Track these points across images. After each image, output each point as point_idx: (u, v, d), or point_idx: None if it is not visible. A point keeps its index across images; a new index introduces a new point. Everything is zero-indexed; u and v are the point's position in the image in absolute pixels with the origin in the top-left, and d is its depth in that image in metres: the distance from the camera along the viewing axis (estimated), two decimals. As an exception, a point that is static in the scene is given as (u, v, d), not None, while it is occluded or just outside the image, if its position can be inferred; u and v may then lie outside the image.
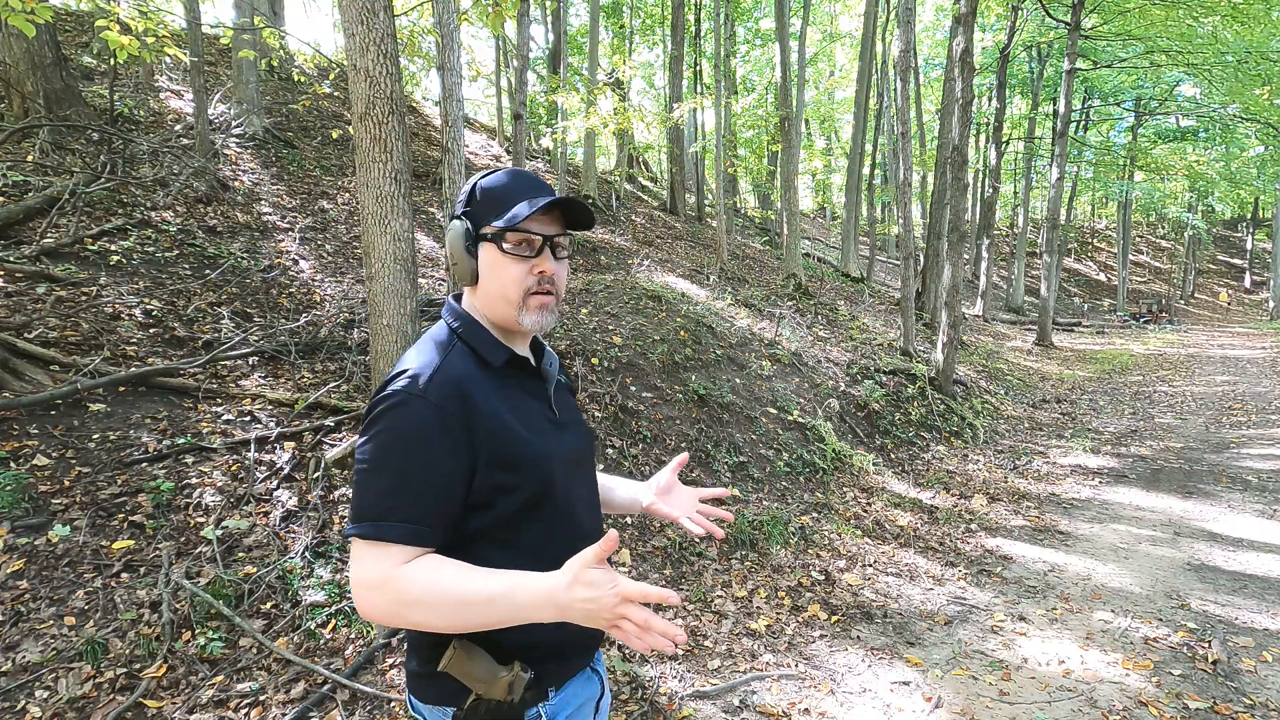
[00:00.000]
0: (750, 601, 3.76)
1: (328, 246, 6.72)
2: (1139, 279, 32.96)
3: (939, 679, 3.12)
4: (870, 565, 4.34)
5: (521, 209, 1.10)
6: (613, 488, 1.42)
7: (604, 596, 0.93)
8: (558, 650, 1.13)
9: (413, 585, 0.96)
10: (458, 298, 1.23)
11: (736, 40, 20.91)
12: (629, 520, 4.36)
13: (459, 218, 1.14)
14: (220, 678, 2.69)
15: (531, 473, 1.09)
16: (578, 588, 0.94)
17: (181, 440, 3.74)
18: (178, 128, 7.56)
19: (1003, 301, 22.41)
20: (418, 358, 1.09)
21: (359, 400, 4.47)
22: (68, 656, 2.61)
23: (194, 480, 3.53)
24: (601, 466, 4.72)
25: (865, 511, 5.24)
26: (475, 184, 1.15)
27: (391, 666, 2.91)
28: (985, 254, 18.52)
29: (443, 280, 6.87)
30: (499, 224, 1.10)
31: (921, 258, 14.63)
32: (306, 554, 3.30)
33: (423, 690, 1.13)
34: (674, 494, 1.39)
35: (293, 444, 3.99)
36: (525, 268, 1.12)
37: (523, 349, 1.22)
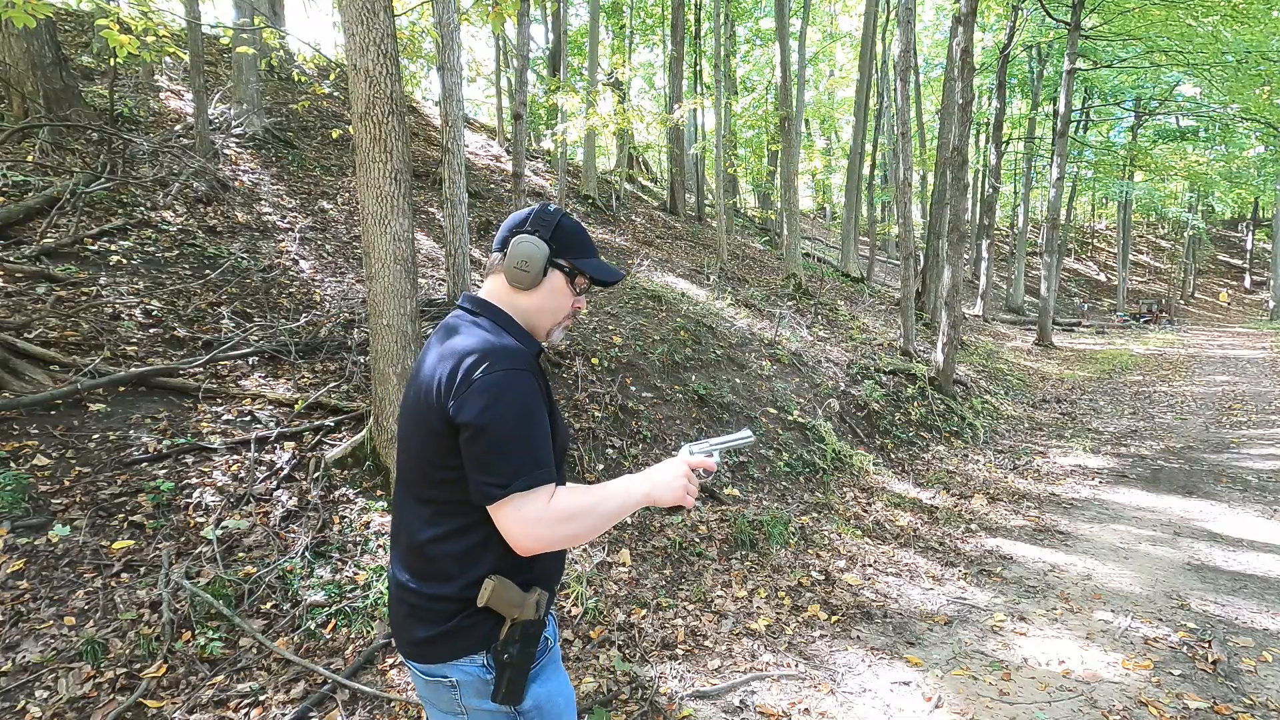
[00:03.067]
0: (750, 601, 3.76)
1: (328, 246, 6.72)
2: (1139, 279, 32.95)
3: (939, 679, 3.12)
4: (870, 565, 4.34)
5: (608, 272, 1.41)
6: None
7: (680, 469, 1.33)
8: (555, 577, 1.40)
9: (564, 508, 1.22)
10: (471, 295, 1.40)
11: (736, 40, 20.91)
12: (629, 521, 4.37)
13: (539, 236, 1.34)
14: (220, 678, 2.69)
15: (556, 455, 1.31)
16: (666, 470, 1.33)
17: (181, 440, 3.74)
18: (178, 128, 7.56)
19: (1003, 301, 22.41)
20: (490, 339, 1.26)
21: (359, 400, 4.47)
22: (68, 656, 2.61)
23: (194, 480, 3.53)
24: (602, 467, 4.73)
25: (865, 511, 5.24)
26: (557, 218, 1.36)
27: (391, 666, 2.91)
28: (985, 254, 18.52)
29: (442, 280, 6.87)
30: (582, 267, 1.38)
31: (921, 258, 14.62)
32: (306, 554, 3.30)
33: (441, 649, 1.27)
34: None
35: (293, 444, 3.99)
36: (573, 301, 1.41)
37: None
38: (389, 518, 3.66)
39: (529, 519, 1.19)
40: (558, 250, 1.36)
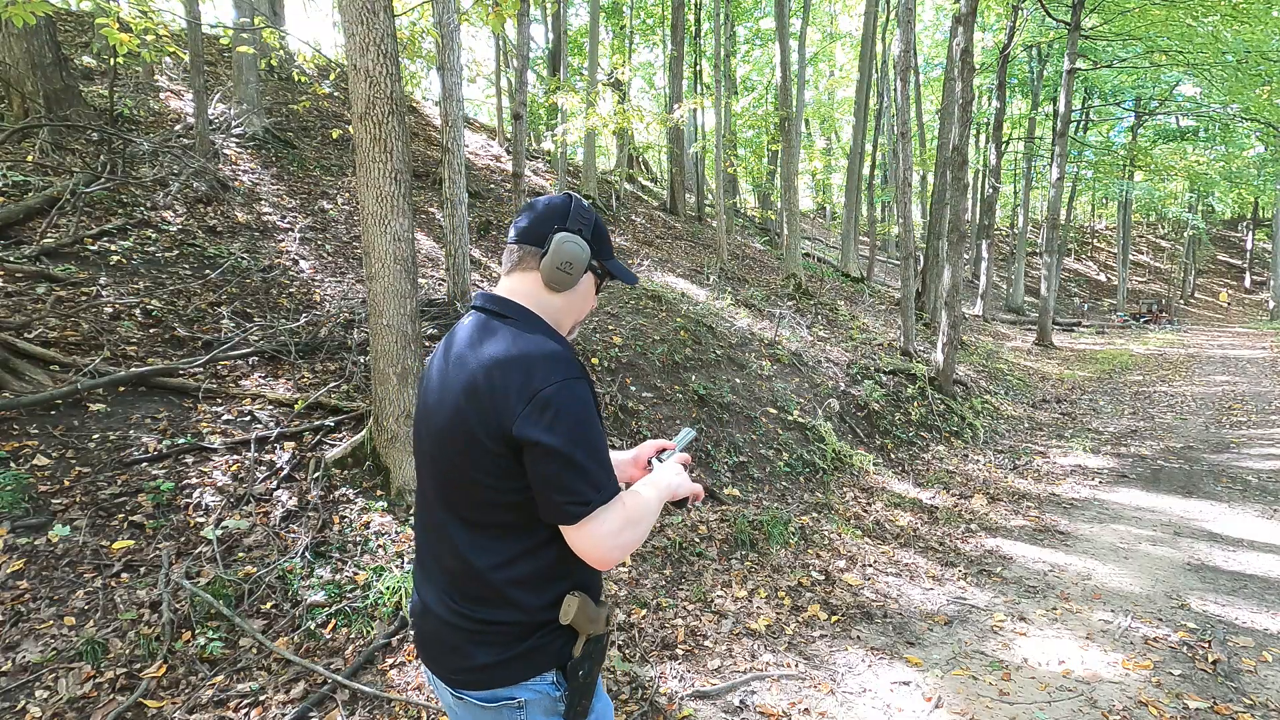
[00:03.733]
0: (750, 601, 3.76)
1: (328, 246, 6.72)
2: (1139, 279, 32.95)
3: (939, 679, 3.12)
4: (870, 565, 4.34)
5: (628, 274, 1.38)
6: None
7: (677, 467, 1.40)
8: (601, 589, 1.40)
9: (634, 512, 1.21)
10: (494, 295, 1.30)
11: (736, 40, 20.91)
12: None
13: (582, 237, 1.28)
14: (220, 678, 2.69)
15: None
16: (669, 469, 1.39)
17: (181, 440, 3.74)
18: (178, 128, 7.56)
19: (1003, 301, 22.41)
20: (535, 345, 1.19)
21: (359, 400, 4.47)
22: (68, 656, 2.61)
23: (194, 480, 3.53)
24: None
25: (865, 511, 5.24)
26: (594, 216, 1.31)
27: (391, 666, 2.91)
28: (985, 254, 18.51)
29: (442, 280, 6.87)
30: (610, 268, 1.35)
31: (921, 258, 14.62)
32: (306, 554, 3.30)
33: (512, 671, 1.22)
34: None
35: (293, 444, 3.99)
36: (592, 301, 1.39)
37: None
38: (389, 518, 3.65)
39: (614, 530, 1.16)
40: (595, 252, 1.31)
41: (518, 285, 1.28)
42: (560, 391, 1.13)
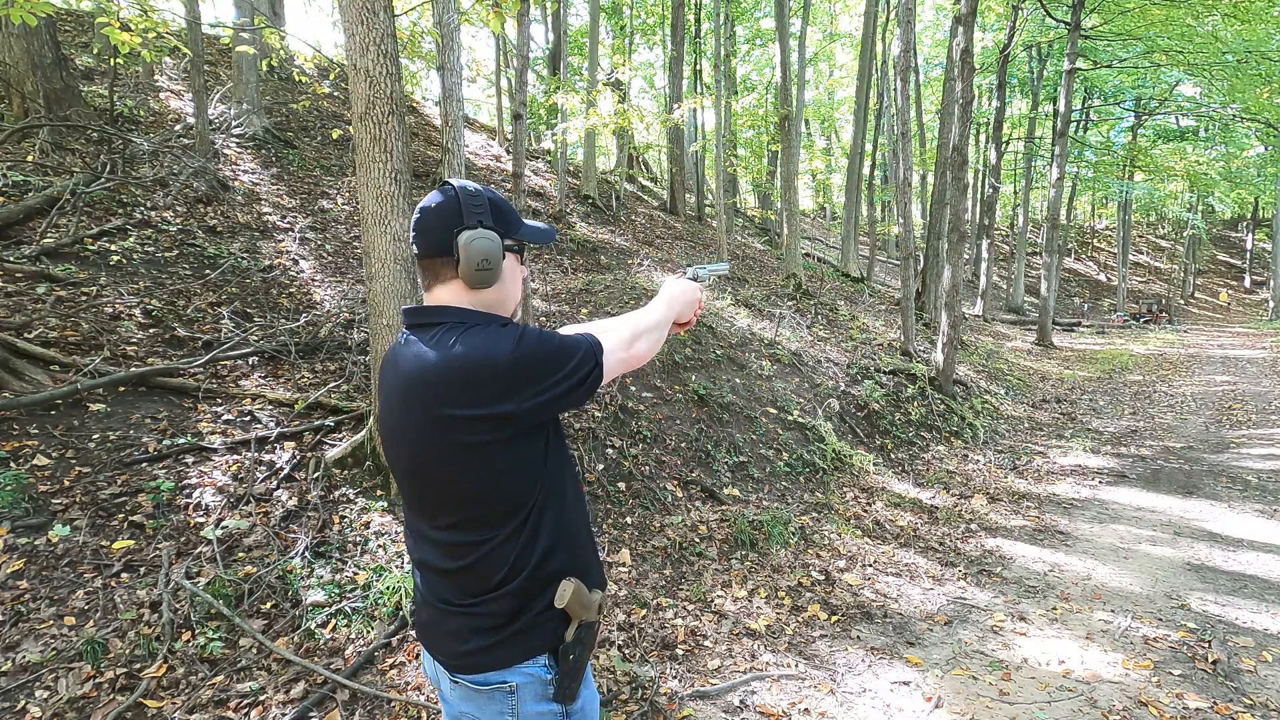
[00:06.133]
0: (750, 601, 3.76)
1: (328, 246, 6.72)
2: (1139, 279, 32.94)
3: (939, 679, 3.12)
4: (870, 565, 4.34)
5: (544, 233, 1.39)
6: None
7: (694, 290, 1.59)
8: (603, 578, 1.42)
9: (638, 328, 1.41)
10: (420, 308, 1.31)
11: (736, 40, 20.91)
12: (629, 521, 4.37)
13: (485, 226, 1.26)
14: (220, 678, 2.69)
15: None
16: (680, 284, 1.59)
17: (181, 440, 3.74)
18: (178, 128, 7.56)
19: (1003, 301, 22.40)
20: (480, 334, 1.21)
21: (359, 400, 4.46)
22: (68, 656, 2.61)
23: (194, 480, 3.53)
24: (602, 467, 4.73)
25: (865, 511, 5.24)
26: (487, 197, 1.28)
27: (391, 666, 2.91)
28: (985, 254, 18.51)
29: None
30: (524, 238, 1.35)
31: (921, 258, 14.62)
32: (306, 554, 3.30)
33: (505, 654, 1.24)
34: None
35: (293, 444, 3.99)
36: (523, 273, 1.40)
37: None
38: (389, 518, 3.66)
39: (624, 345, 1.34)
40: (504, 233, 1.29)
41: (444, 295, 1.27)
42: (519, 353, 1.17)
